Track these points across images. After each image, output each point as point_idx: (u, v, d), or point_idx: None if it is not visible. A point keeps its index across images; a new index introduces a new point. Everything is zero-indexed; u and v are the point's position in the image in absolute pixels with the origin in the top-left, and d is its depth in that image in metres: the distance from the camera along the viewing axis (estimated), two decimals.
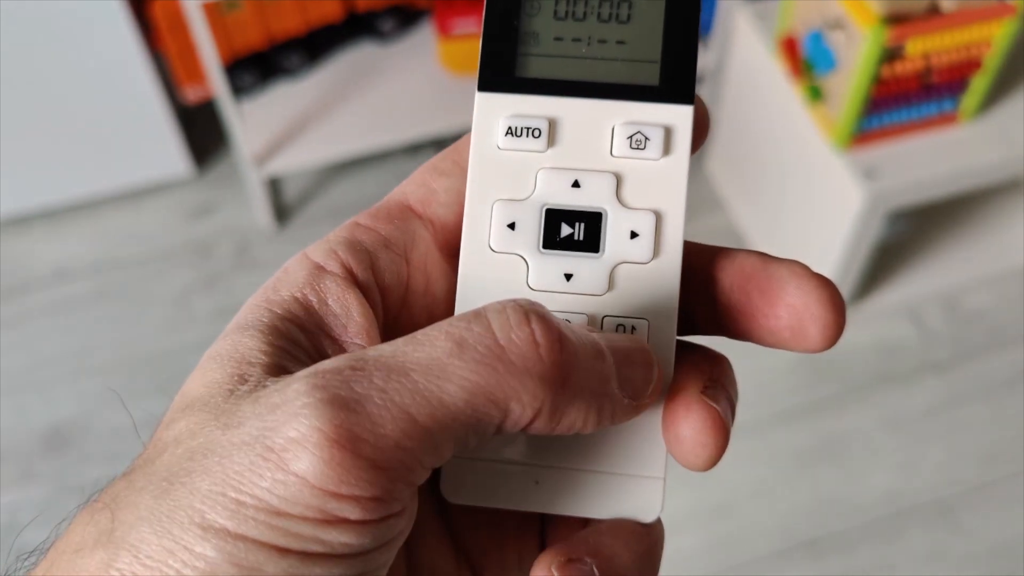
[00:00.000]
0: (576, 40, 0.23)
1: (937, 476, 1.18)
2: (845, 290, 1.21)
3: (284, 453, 0.18)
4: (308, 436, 0.18)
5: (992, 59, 1.05)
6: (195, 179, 1.44)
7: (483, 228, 0.23)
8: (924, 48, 1.01)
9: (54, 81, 1.23)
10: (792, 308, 0.22)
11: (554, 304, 0.22)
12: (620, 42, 0.23)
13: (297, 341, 0.22)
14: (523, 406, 0.19)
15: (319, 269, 0.23)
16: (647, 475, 0.22)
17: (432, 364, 0.19)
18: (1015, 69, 1.16)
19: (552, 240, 0.23)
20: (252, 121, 1.34)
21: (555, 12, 0.23)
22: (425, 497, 0.25)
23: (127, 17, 1.18)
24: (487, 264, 0.23)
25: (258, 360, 0.21)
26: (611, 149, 0.23)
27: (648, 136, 0.22)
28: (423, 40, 1.43)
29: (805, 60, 1.11)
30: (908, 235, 1.33)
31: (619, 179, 0.22)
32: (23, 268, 1.37)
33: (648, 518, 0.23)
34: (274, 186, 1.44)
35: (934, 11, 1.00)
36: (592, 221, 0.22)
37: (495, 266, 0.23)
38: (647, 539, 0.23)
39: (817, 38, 1.08)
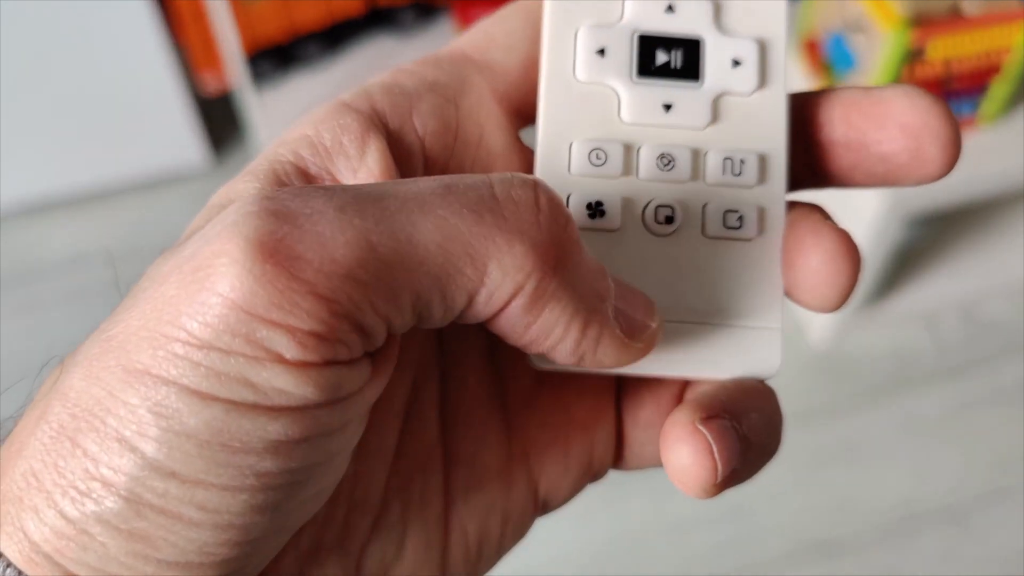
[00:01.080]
0: None
1: (950, 481, 1.17)
2: (861, 295, 1.21)
3: (208, 269, 0.16)
4: (236, 246, 0.15)
5: (1013, 64, 1.05)
6: (212, 169, 1.44)
7: (567, 56, 0.21)
8: (945, 51, 1.01)
9: (72, 69, 1.24)
10: (907, 127, 0.20)
11: (652, 138, 0.20)
12: None
13: (292, 184, 0.20)
14: (504, 273, 0.17)
15: (344, 107, 0.20)
16: (763, 326, 0.20)
17: (412, 197, 0.17)
18: None
19: (647, 68, 0.20)
20: (270, 112, 1.35)
21: None
22: (478, 382, 0.22)
23: (148, 5, 1.19)
24: (573, 95, 0.21)
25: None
26: None
27: None
28: (443, 34, 1.43)
29: (826, 62, 1.11)
30: (925, 241, 1.32)
31: (717, 4, 0.21)
32: (37, 256, 1.37)
33: (768, 374, 0.20)
34: None
35: (956, 14, 1.00)
36: (690, 48, 0.20)
37: (583, 97, 0.21)
38: (772, 400, 0.21)
39: (838, 40, 1.07)
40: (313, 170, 0.20)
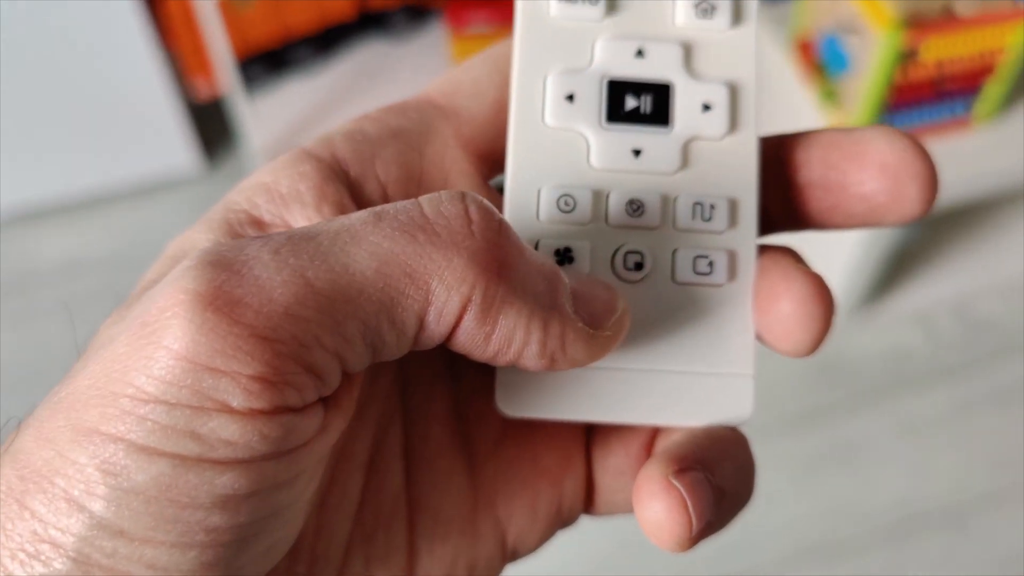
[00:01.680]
0: None
1: (948, 482, 1.17)
2: (856, 296, 1.21)
3: (155, 324, 0.16)
4: (180, 300, 0.16)
5: (1007, 65, 1.05)
6: (205, 175, 1.44)
7: (535, 102, 0.21)
8: (938, 52, 1.01)
9: (64, 75, 1.23)
10: (887, 168, 0.19)
11: (622, 184, 0.20)
12: None
13: (244, 233, 0.20)
14: (448, 288, 0.17)
15: (304, 154, 0.20)
16: (736, 372, 0.20)
17: (344, 229, 0.17)
18: None
19: (617, 113, 0.20)
20: (262, 117, 1.34)
21: None
22: (441, 430, 0.22)
23: (139, 11, 1.18)
24: (542, 141, 0.20)
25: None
26: (674, 18, 0.21)
27: (715, 4, 0.21)
28: (436, 38, 1.43)
29: (819, 63, 1.10)
30: (920, 241, 1.32)
31: (687, 48, 0.20)
32: (30, 263, 1.37)
33: (740, 420, 0.20)
34: None
35: (949, 14, 1.00)
36: (660, 93, 0.20)
37: (552, 143, 0.20)
38: (744, 448, 0.20)
39: (832, 41, 1.07)
40: (267, 218, 0.20)
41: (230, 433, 0.16)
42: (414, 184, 0.21)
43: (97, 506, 0.15)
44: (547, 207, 0.20)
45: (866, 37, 1.01)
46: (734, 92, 0.20)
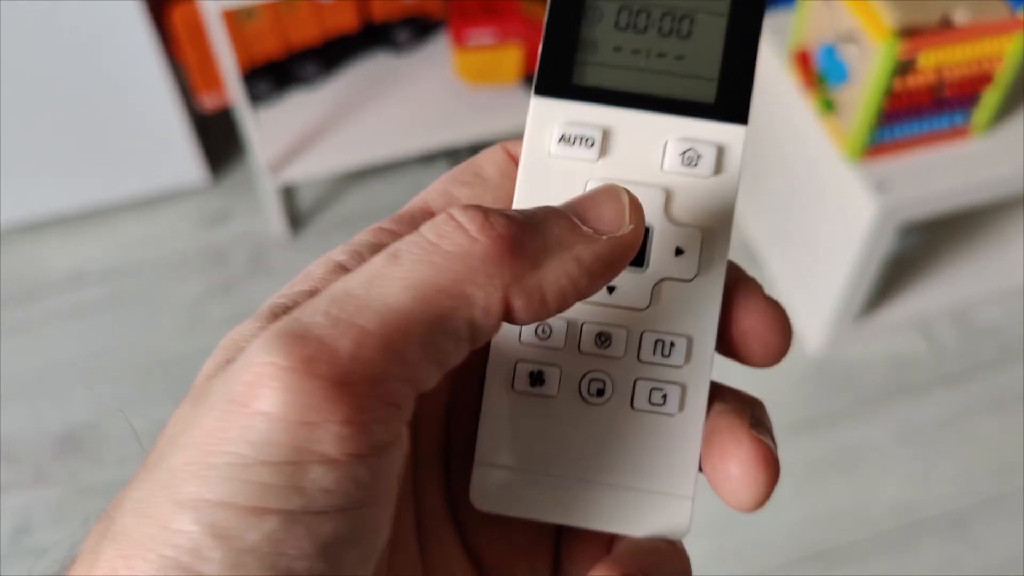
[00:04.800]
0: (635, 52, 0.23)
1: (949, 489, 1.18)
2: (856, 303, 1.22)
3: (245, 397, 0.17)
4: (264, 372, 0.17)
5: (1004, 73, 1.06)
6: (210, 186, 1.45)
7: None
8: (936, 61, 1.02)
9: (72, 87, 1.25)
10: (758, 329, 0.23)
11: (594, 316, 0.22)
12: (679, 57, 0.23)
13: None
14: (483, 289, 0.18)
15: (339, 267, 0.22)
16: (678, 494, 0.22)
17: (371, 277, 0.19)
18: None
19: None
20: (268, 129, 1.36)
21: (616, 22, 0.23)
22: (440, 502, 0.24)
23: (145, 24, 1.20)
24: None
25: (248, 342, 0.20)
26: (662, 164, 0.22)
27: (701, 153, 0.22)
28: (438, 51, 1.44)
29: (818, 73, 1.12)
30: (919, 248, 1.33)
31: (669, 194, 0.22)
32: (38, 273, 1.38)
33: (678, 535, 0.23)
34: (288, 194, 1.45)
35: (947, 24, 1.01)
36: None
37: None
38: (683, 561, 0.23)
39: (830, 51, 1.08)
40: None
41: (329, 481, 0.17)
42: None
43: (212, 569, 0.16)
44: (527, 332, 0.22)
45: (864, 47, 1.02)
46: (707, 238, 0.22)
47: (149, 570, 0.17)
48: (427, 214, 0.24)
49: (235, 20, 1.27)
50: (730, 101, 0.22)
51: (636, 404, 0.22)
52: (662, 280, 0.22)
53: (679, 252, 0.22)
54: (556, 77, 0.23)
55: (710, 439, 0.22)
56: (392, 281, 0.18)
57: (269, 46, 1.35)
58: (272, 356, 0.17)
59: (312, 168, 1.33)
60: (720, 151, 0.22)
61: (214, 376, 0.19)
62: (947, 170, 1.11)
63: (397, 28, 1.42)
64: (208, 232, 1.42)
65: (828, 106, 1.11)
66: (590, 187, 0.22)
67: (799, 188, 1.25)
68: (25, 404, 1.24)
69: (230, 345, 0.21)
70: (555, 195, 0.22)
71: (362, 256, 0.22)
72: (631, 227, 0.20)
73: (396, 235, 0.23)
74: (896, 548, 1.13)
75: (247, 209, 1.44)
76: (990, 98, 1.08)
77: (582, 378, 0.22)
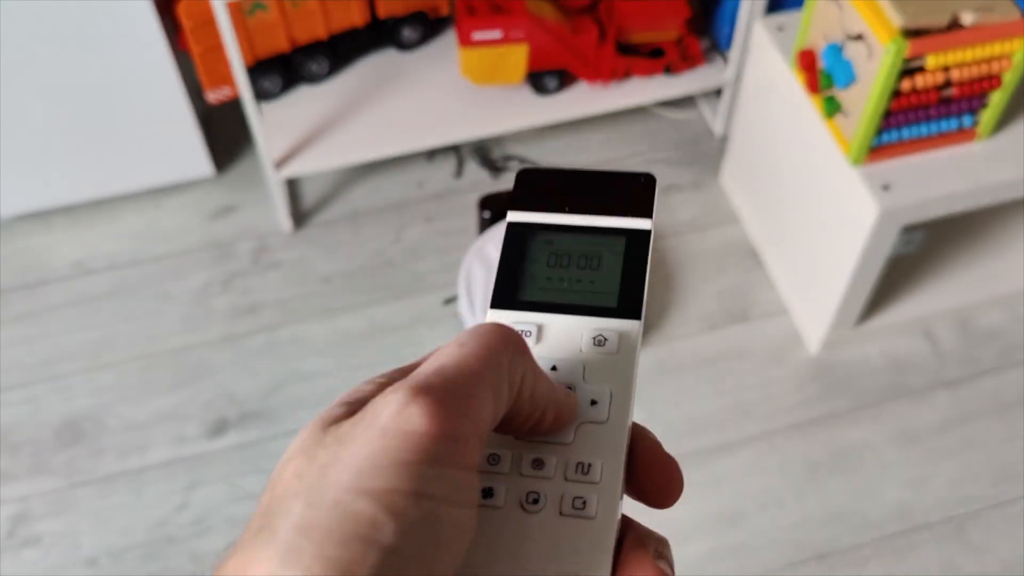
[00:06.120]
0: (561, 279, 0.32)
1: (949, 492, 1.17)
2: (858, 304, 1.21)
3: (395, 426, 0.23)
4: (403, 404, 0.23)
5: (1011, 76, 1.05)
6: (216, 179, 1.46)
7: None
8: (944, 63, 1.02)
9: (80, 79, 1.25)
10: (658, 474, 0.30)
11: (533, 448, 0.29)
12: (591, 280, 0.32)
13: None
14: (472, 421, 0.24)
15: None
16: (597, 574, 0.27)
17: (435, 371, 0.25)
18: None
19: None
20: (273, 123, 1.36)
21: (548, 262, 0.33)
22: None
23: (154, 18, 1.20)
24: None
25: (342, 412, 0.25)
26: (580, 347, 0.31)
27: (607, 338, 0.31)
28: (444, 48, 1.44)
29: (823, 73, 1.11)
30: (922, 250, 1.33)
31: (585, 366, 0.30)
32: (44, 263, 1.39)
33: None
34: (293, 188, 1.45)
35: (955, 26, 1.00)
36: None
37: None
38: None
39: (836, 51, 1.08)
40: None
41: (469, 478, 0.24)
42: None
43: (386, 538, 0.22)
44: (481, 459, 0.29)
45: (871, 48, 1.02)
46: (615, 392, 0.30)
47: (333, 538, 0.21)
48: None
49: (242, 13, 1.28)
50: (627, 305, 0.31)
51: (563, 511, 0.28)
52: (582, 423, 0.29)
53: (594, 403, 0.30)
54: (507, 296, 0.32)
55: (622, 563, 0.27)
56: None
57: (276, 40, 1.35)
58: (401, 395, 0.23)
59: (317, 163, 1.33)
60: (621, 336, 0.31)
61: (330, 430, 0.24)
62: (952, 173, 1.11)
63: (403, 25, 1.42)
64: (213, 224, 1.42)
65: (832, 107, 1.11)
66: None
67: (802, 189, 1.25)
68: (27, 393, 1.25)
69: (318, 423, 0.25)
70: None
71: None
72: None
73: None
74: (895, 551, 1.13)
75: (252, 202, 1.44)
76: (997, 101, 1.08)
77: (522, 492, 0.28)
